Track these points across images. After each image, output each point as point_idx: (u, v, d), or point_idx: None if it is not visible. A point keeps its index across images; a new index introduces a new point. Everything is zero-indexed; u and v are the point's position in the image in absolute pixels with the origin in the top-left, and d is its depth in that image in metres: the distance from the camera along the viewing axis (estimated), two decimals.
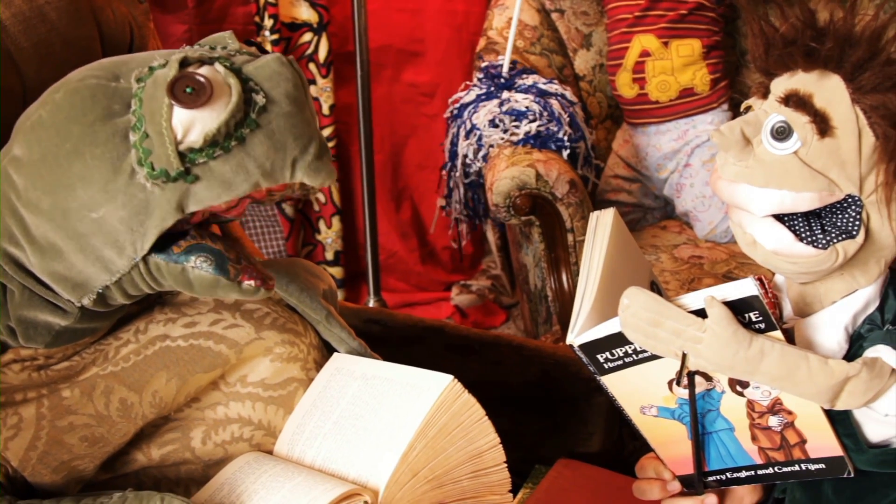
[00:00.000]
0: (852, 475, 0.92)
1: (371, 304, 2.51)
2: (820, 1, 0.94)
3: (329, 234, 2.72)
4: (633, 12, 2.21)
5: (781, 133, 0.87)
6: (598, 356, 0.93)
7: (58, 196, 0.90)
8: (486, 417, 1.00)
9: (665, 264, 2.05)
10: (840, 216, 0.89)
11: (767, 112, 0.89)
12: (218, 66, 0.91)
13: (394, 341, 1.43)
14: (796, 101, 0.87)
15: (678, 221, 2.27)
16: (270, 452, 1.08)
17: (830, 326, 0.92)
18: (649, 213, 2.33)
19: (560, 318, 1.97)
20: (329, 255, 2.72)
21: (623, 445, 1.46)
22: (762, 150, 0.88)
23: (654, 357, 0.91)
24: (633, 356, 0.92)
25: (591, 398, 1.39)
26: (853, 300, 0.92)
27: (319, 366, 1.11)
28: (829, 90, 0.87)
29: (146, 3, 1.43)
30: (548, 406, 1.42)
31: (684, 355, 0.87)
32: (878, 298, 0.93)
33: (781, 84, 0.90)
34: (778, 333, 0.86)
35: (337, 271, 2.72)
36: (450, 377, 0.99)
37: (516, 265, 2.31)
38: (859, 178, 0.87)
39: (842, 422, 0.91)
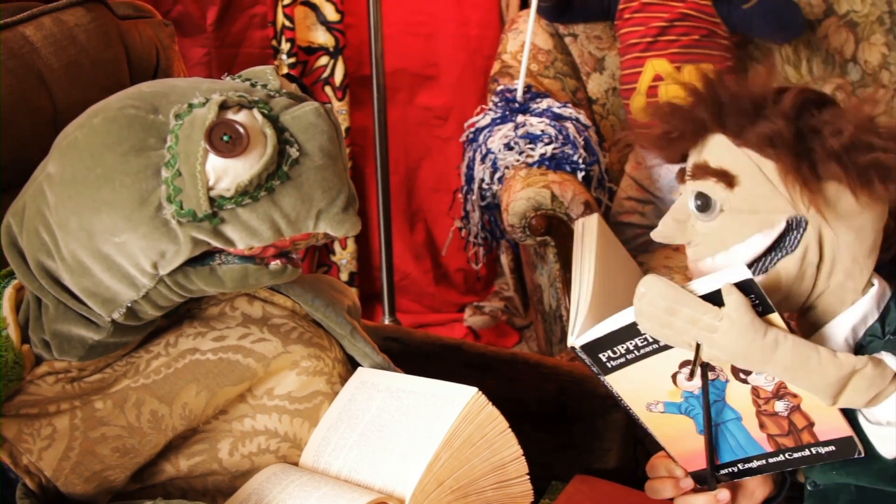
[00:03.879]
0: (863, 455, 0.93)
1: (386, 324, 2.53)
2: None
3: (344, 256, 2.74)
4: (645, 37, 2.23)
5: (702, 206, 0.94)
6: (601, 355, 0.94)
7: (83, 217, 0.92)
8: (510, 429, 1.02)
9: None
10: (786, 238, 0.94)
11: (687, 193, 0.96)
12: (256, 112, 0.92)
13: (412, 359, 1.44)
14: (699, 171, 0.95)
15: None
16: (296, 464, 1.09)
17: (831, 341, 0.95)
18: None
19: None
20: (344, 276, 2.74)
21: (638, 464, 1.46)
22: (699, 225, 0.95)
23: (656, 351, 0.92)
24: (636, 352, 0.93)
25: (608, 415, 1.40)
26: (849, 314, 0.95)
27: (344, 380, 1.13)
28: (715, 148, 0.94)
29: (171, 26, 1.46)
30: (564, 423, 1.43)
31: (698, 346, 0.88)
32: (878, 311, 0.95)
33: (687, 166, 0.98)
34: (776, 315, 0.87)
35: (353, 295, 2.73)
36: (474, 389, 1.01)
37: (531, 286, 2.32)
38: (788, 199, 0.92)
39: (856, 433, 0.93)
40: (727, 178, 0.93)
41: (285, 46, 2.53)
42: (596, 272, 0.98)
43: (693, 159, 0.97)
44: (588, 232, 1.03)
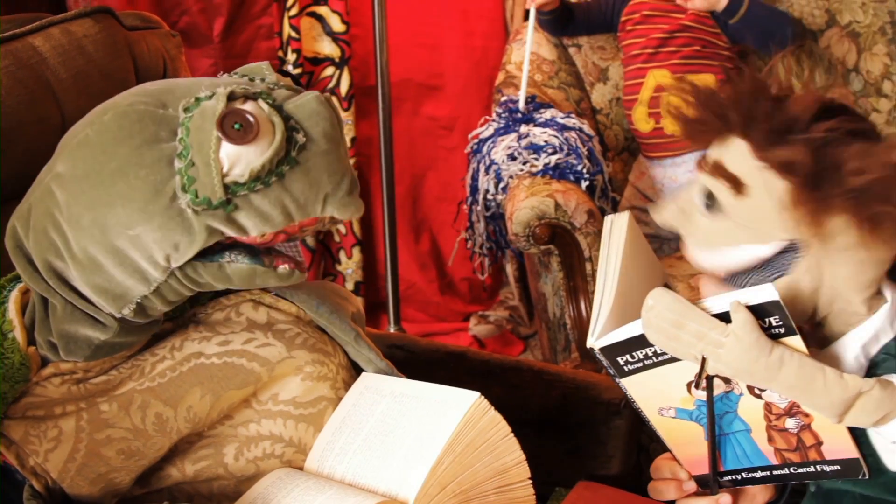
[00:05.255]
0: (867, 477, 0.93)
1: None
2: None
3: (349, 265, 2.75)
4: (647, 48, 2.24)
5: (707, 204, 0.94)
6: (619, 359, 0.94)
7: (98, 212, 0.94)
8: (512, 434, 1.02)
9: (681, 293, 2.06)
10: (779, 261, 0.93)
11: (698, 184, 0.96)
12: (262, 102, 0.95)
13: (417, 366, 1.45)
14: (714, 169, 0.94)
15: None
16: (301, 469, 1.10)
17: (840, 359, 0.94)
18: (665, 243, 2.35)
19: (579, 346, 1.99)
20: (349, 286, 2.75)
21: (641, 471, 1.47)
22: (699, 218, 0.95)
23: (673, 359, 0.92)
24: (654, 358, 0.93)
25: (611, 422, 1.40)
26: (860, 332, 0.94)
27: (348, 385, 1.14)
28: (734, 153, 0.93)
29: (178, 37, 1.48)
30: (568, 429, 1.43)
31: (704, 359, 0.89)
32: (892, 328, 0.94)
33: (707, 157, 0.97)
34: (797, 339, 0.87)
35: (357, 301, 2.74)
36: (476, 394, 1.01)
37: (535, 294, 2.33)
38: (790, 223, 0.91)
39: (864, 444, 0.93)
40: (737, 186, 0.92)
41: (291, 57, 2.55)
42: (621, 273, 0.98)
43: (712, 154, 0.96)
44: (617, 230, 1.02)
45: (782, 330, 0.87)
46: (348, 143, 2.67)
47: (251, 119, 0.92)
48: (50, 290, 0.98)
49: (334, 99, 2.59)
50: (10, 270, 1.08)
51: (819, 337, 0.96)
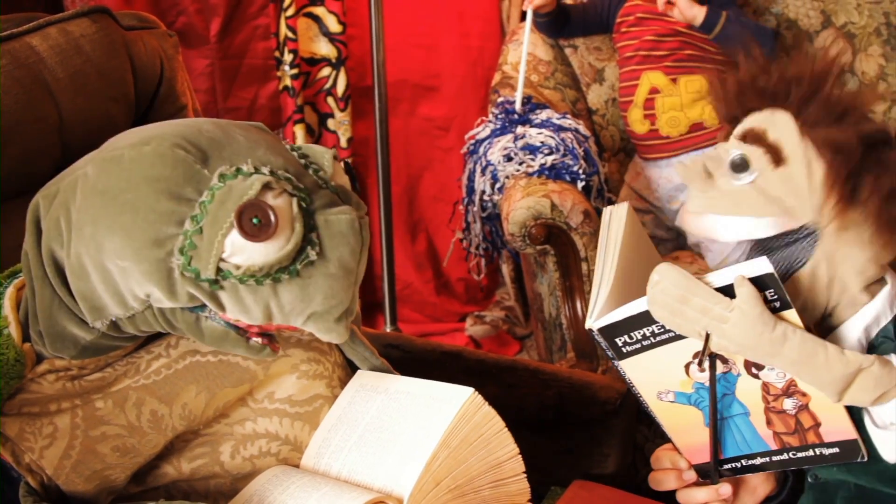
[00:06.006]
0: (866, 459, 0.94)
1: None
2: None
3: None
4: (640, 50, 2.25)
5: (739, 166, 0.94)
6: (617, 339, 0.95)
7: (98, 230, 0.93)
8: (506, 429, 1.03)
9: None
10: (796, 246, 0.94)
11: (727, 149, 0.96)
12: (295, 204, 0.92)
13: (412, 366, 1.45)
14: (752, 136, 0.95)
15: (690, 252, 2.30)
16: (297, 467, 1.10)
17: (844, 342, 0.95)
18: (662, 244, 2.36)
19: (575, 346, 2.00)
20: None
21: (637, 471, 1.47)
22: (723, 181, 0.95)
23: (672, 339, 0.93)
24: (652, 339, 0.94)
25: (606, 421, 1.40)
26: (862, 315, 0.95)
27: (344, 383, 1.14)
28: (780, 124, 0.94)
29: (175, 37, 1.48)
30: (563, 428, 1.44)
31: (707, 336, 0.89)
32: (891, 310, 0.96)
33: (740, 125, 0.97)
34: (793, 312, 0.88)
35: None
36: (470, 390, 1.02)
37: (531, 294, 2.34)
38: (816, 205, 0.92)
39: (860, 432, 0.94)
40: (778, 156, 0.93)
41: (288, 58, 2.55)
42: (620, 258, 0.98)
43: (747, 123, 0.97)
44: (616, 219, 1.03)
45: (777, 304, 0.88)
46: (345, 144, 2.67)
47: (272, 219, 0.90)
48: (44, 277, 0.98)
49: (331, 100, 2.62)
50: (7, 266, 1.08)
51: (824, 327, 0.97)
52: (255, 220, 0.89)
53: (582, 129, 2.16)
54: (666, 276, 0.89)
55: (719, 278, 0.88)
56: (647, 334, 0.94)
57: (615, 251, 0.99)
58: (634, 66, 2.26)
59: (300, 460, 1.11)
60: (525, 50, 2.19)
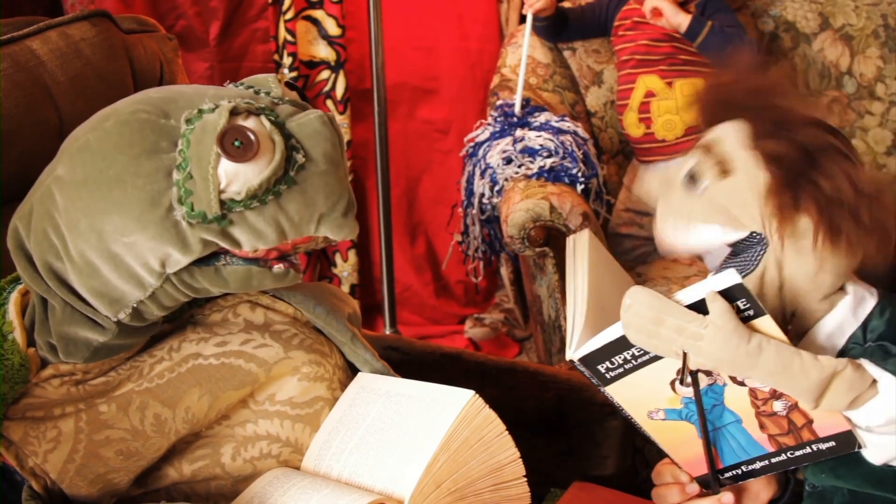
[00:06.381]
0: (863, 448, 0.94)
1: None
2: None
3: (345, 268, 2.76)
4: (635, 54, 2.26)
5: (690, 180, 0.98)
6: (599, 367, 0.95)
7: (95, 218, 0.94)
8: (507, 432, 1.03)
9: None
10: (748, 253, 0.96)
11: (685, 162, 0.99)
12: (264, 119, 0.94)
13: (412, 368, 1.45)
14: (705, 147, 0.98)
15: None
16: (298, 469, 1.10)
17: (810, 350, 0.96)
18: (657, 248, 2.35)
19: None
20: (345, 289, 2.75)
21: (636, 473, 1.48)
22: (678, 192, 0.99)
23: (653, 359, 0.93)
24: (633, 361, 0.94)
25: (605, 422, 1.41)
26: (823, 326, 0.97)
27: (344, 385, 1.15)
28: (731, 137, 0.97)
29: (175, 40, 1.49)
30: (563, 430, 1.44)
31: (685, 354, 0.90)
32: (855, 318, 0.97)
33: (703, 136, 1.01)
34: (767, 318, 0.89)
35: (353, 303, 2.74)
36: (471, 392, 1.02)
37: (530, 297, 2.34)
38: (760, 215, 0.95)
39: None
40: (724, 168, 0.96)
41: (287, 61, 2.55)
42: (589, 286, 1.00)
43: (708, 135, 1.00)
44: (580, 247, 1.06)
45: (751, 312, 0.89)
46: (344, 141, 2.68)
47: (252, 137, 0.92)
48: (49, 291, 0.99)
49: (330, 103, 2.62)
50: (11, 272, 1.08)
51: (791, 335, 0.98)
52: (236, 143, 0.92)
53: (581, 131, 2.17)
54: (637, 299, 0.90)
55: (690, 295, 0.89)
56: (629, 357, 0.94)
57: (584, 279, 1.01)
58: (630, 69, 2.27)
59: (301, 462, 1.11)
60: (525, 53, 2.19)
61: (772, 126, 0.95)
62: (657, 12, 2.18)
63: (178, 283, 0.97)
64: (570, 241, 1.07)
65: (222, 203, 0.92)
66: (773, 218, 0.94)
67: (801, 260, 0.94)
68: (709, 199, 0.97)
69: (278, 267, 0.99)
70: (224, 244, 0.95)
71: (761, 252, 0.95)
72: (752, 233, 0.96)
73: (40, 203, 0.98)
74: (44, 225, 0.97)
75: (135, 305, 0.98)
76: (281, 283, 1.01)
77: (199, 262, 0.96)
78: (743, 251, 0.97)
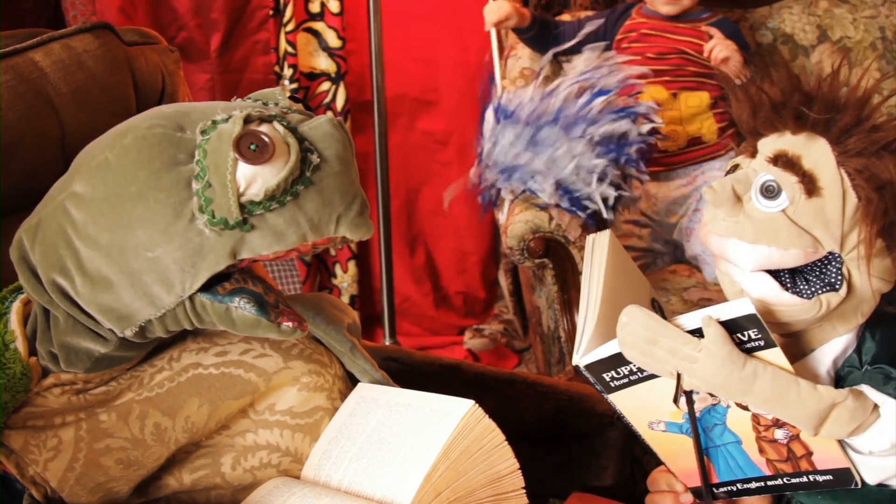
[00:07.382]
0: (860, 486, 0.94)
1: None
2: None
3: (345, 279, 2.76)
4: (641, 66, 2.26)
5: (770, 192, 0.91)
6: (605, 375, 0.95)
7: (117, 234, 0.95)
8: (506, 442, 1.03)
9: (675, 307, 2.08)
10: (823, 271, 0.93)
11: (757, 171, 0.93)
12: (277, 125, 0.96)
13: (411, 378, 1.45)
14: (785, 161, 0.92)
15: (687, 265, 2.31)
16: (297, 478, 1.11)
17: (813, 374, 0.96)
18: (659, 257, 2.36)
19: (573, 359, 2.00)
20: (345, 299, 2.75)
21: (635, 483, 1.48)
22: (751, 206, 0.92)
23: (655, 374, 0.93)
24: (639, 374, 0.94)
25: (605, 433, 1.41)
26: (832, 346, 0.96)
27: (344, 395, 1.15)
28: (817, 152, 0.91)
29: (176, 52, 1.49)
30: (562, 441, 1.44)
31: (679, 375, 0.90)
32: (856, 341, 0.96)
33: (770, 144, 0.94)
34: (777, 351, 0.88)
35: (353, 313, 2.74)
36: (471, 402, 1.02)
37: (529, 307, 2.34)
38: (841, 237, 0.91)
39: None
40: (811, 186, 0.90)
41: (288, 72, 2.56)
42: (604, 290, 0.98)
43: (780, 145, 0.93)
44: (599, 248, 1.03)
45: (762, 343, 0.88)
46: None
47: (267, 140, 0.93)
48: (52, 302, 0.99)
49: (330, 114, 2.62)
50: (13, 281, 1.09)
51: (792, 352, 0.97)
52: (252, 147, 0.93)
53: None
54: (634, 318, 0.90)
55: (692, 320, 0.89)
56: (634, 369, 0.94)
57: (599, 283, 0.99)
58: (634, 80, 2.27)
59: (301, 472, 1.11)
60: (498, 73, 2.18)
61: (866, 145, 0.89)
62: (726, 61, 2.15)
63: (189, 310, 0.97)
64: (589, 239, 1.05)
65: (242, 207, 0.93)
66: (862, 241, 0.90)
67: (864, 285, 0.92)
68: (789, 220, 0.91)
69: (286, 325, 0.99)
70: (246, 253, 0.95)
71: (838, 269, 0.92)
72: (829, 253, 0.92)
73: (52, 218, 0.98)
74: (55, 240, 0.97)
75: (142, 324, 0.98)
76: (284, 338, 1.01)
77: (215, 297, 0.97)
78: (808, 270, 0.93)
